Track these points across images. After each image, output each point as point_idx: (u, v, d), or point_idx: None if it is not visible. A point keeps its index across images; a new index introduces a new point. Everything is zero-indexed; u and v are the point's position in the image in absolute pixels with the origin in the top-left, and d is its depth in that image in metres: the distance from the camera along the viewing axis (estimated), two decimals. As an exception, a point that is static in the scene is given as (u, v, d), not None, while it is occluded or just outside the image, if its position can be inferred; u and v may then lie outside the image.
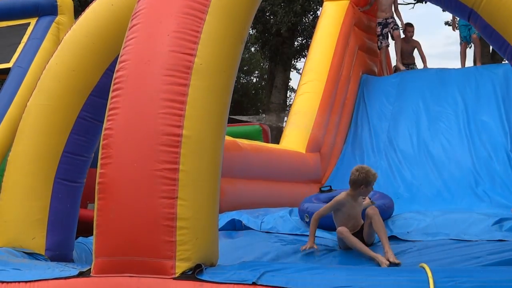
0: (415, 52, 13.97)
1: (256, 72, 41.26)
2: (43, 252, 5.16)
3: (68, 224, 5.32)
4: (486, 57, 20.81)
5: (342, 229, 5.59)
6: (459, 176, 10.32)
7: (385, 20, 13.38)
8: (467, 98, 11.58)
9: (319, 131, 10.62)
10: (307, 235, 5.87)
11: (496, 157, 10.28)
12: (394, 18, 13.52)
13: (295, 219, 6.81)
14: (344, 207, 5.72)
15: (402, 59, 13.59)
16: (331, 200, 5.92)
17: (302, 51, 25.97)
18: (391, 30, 13.40)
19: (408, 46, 13.71)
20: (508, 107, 11.20)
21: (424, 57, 13.80)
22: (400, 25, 13.72)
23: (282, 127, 16.63)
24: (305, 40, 25.74)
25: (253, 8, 4.53)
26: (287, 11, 21.49)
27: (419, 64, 14.17)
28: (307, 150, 10.33)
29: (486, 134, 10.92)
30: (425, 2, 21.24)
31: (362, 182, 5.62)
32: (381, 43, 13.44)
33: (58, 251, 5.19)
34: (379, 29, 13.42)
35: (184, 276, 3.74)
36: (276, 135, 15.86)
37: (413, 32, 13.65)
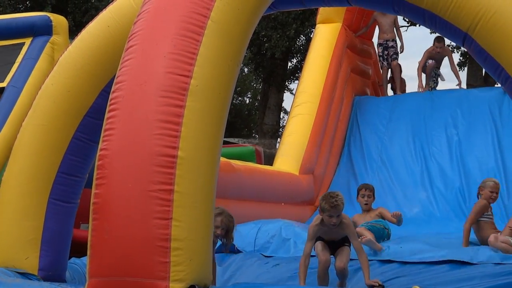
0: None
1: (250, 93, 41.30)
2: (36, 272, 5.14)
3: (61, 245, 5.31)
4: (479, 80, 20.92)
5: (317, 244, 5.50)
6: (450, 198, 10.38)
7: (385, 42, 13.38)
8: (458, 121, 11.64)
9: (312, 153, 10.63)
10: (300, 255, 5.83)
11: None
12: (395, 41, 13.47)
13: (289, 240, 6.77)
14: (319, 233, 5.56)
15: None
16: None
17: (296, 72, 26.04)
18: (390, 58, 13.36)
19: (438, 57, 13.41)
20: (500, 131, 11.25)
21: (456, 67, 13.44)
22: (399, 47, 13.64)
23: (275, 149, 16.62)
24: (298, 62, 25.82)
25: (249, 30, 4.56)
26: (281, 35, 21.58)
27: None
28: (300, 172, 10.34)
29: (477, 158, 10.97)
30: (419, 25, 21.36)
31: (320, 209, 5.49)
32: (382, 63, 13.50)
33: (51, 272, 5.18)
34: (380, 50, 13.45)
35: (178, 297, 3.74)
36: (268, 157, 15.85)
37: (441, 48, 13.18)
